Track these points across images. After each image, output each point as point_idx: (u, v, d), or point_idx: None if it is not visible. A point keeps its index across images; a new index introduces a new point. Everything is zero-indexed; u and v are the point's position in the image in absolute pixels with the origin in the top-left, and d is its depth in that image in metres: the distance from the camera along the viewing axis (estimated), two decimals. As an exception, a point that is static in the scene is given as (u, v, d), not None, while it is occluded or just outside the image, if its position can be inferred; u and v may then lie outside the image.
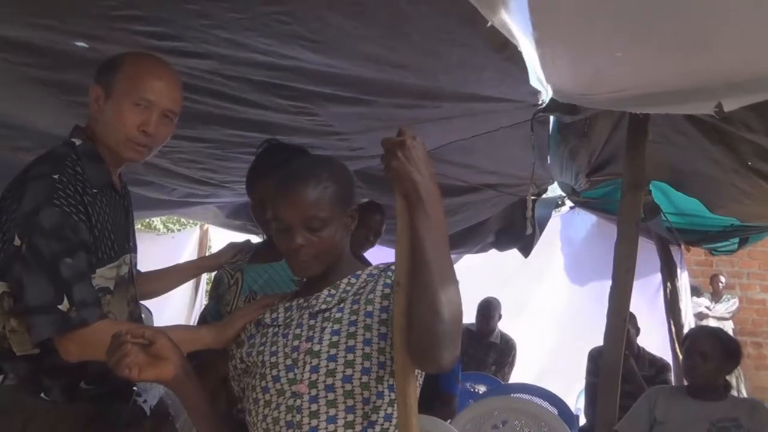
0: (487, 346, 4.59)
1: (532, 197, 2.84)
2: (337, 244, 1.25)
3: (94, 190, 1.46)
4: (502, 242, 4.19)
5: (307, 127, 2.27)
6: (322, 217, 1.21)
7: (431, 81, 1.84)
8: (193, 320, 5.08)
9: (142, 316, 1.77)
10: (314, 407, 1.15)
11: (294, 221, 1.22)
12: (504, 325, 4.64)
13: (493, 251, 4.45)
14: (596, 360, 3.34)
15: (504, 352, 4.61)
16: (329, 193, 1.22)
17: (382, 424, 1.16)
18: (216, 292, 1.83)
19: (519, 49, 1.51)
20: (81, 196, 1.41)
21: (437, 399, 3.14)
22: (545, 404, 3.19)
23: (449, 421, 2.83)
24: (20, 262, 1.34)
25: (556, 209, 4.35)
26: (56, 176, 1.39)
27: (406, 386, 1.11)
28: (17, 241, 1.35)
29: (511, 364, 4.59)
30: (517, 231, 3.77)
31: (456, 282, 1.11)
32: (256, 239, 2.07)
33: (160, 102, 1.48)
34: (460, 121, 2.21)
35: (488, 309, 4.59)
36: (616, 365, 2.41)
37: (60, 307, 1.33)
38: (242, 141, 2.47)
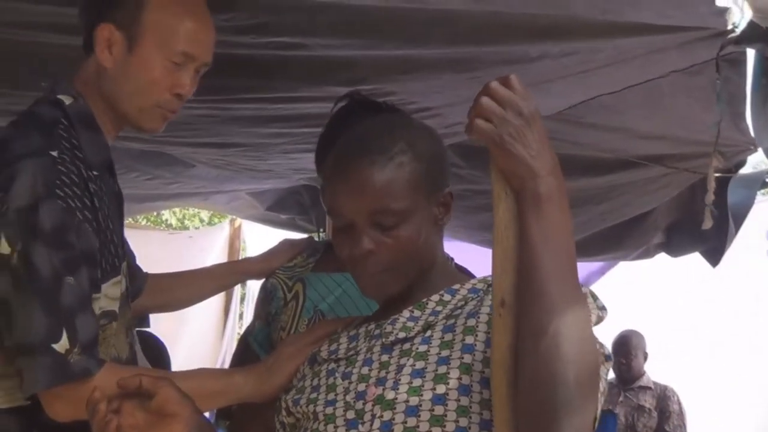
0: (639, 391, 4.66)
1: (718, 174, 2.76)
2: (422, 247, 1.25)
3: (94, 173, 1.52)
4: (676, 244, 4.06)
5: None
6: (396, 208, 1.21)
7: (560, 8, 1.79)
8: (224, 352, 5.28)
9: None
10: None
11: (356, 216, 1.22)
12: (661, 363, 4.66)
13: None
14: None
15: (665, 397, 4.67)
16: (406, 173, 1.22)
17: None
18: (266, 310, 1.89)
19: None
20: (84, 183, 1.46)
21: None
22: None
23: None
24: (10, 279, 1.39)
25: (763, 190, 4.21)
26: (55, 153, 1.43)
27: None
28: (5, 248, 1.39)
29: (681, 416, 4.66)
30: (700, 226, 3.68)
31: (586, 317, 1.10)
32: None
33: (201, 56, 1.54)
34: (603, 68, 2.19)
35: (627, 347, 4.75)
36: None
37: (56, 346, 1.37)
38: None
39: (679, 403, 4.81)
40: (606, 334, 4.57)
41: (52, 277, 1.39)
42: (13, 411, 1.49)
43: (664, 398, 4.80)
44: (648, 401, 4.81)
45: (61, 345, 1.38)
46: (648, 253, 4.26)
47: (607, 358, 1.20)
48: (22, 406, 1.48)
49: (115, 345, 1.57)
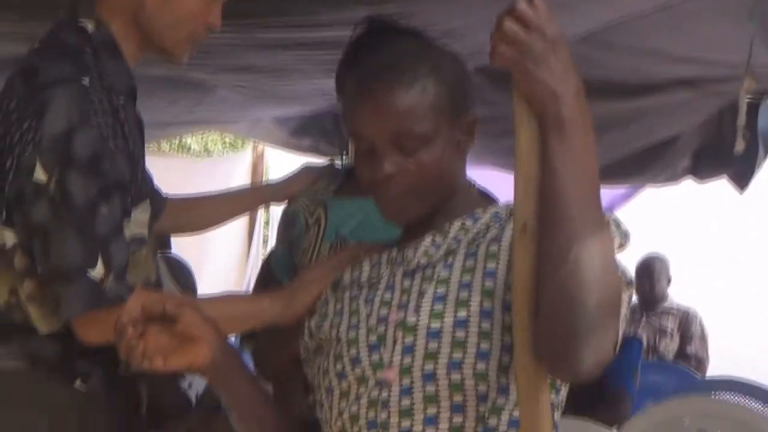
0: (661, 314, 4.70)
1: (750, 98, 2.72)
2: (445, 172, 1.25)
3: (122, 100, 1.54)
4: (703, 167, 4.03)
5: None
6: (419, 131, 1.20)
7: None
8: (248, 278, 5.35)
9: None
10: (407, 402, 1.17)
11: (378, 139, 1.22)
12: (689, 293, 4.68)
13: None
14: None
15: (688, 320, 4.70)
16: (430, 96, 1.22)
17: None
18: (287, 234, 1.90)
19: None
20: (114, 111, 1.48)
21: (602, 397, 3.19)
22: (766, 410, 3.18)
23: (615, 427, 2.88)
24: (47, 206, 1.40)
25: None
26: (86, 80, 1.44)
27: (533, 379, 1.10)
28: (41, 175, 1.40)
29: (703, 339, 4.72)
30: (728, 150, 3.66)
31: (609, 243, 1.08)
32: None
33: None
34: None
35: (650, 272, 4.77)
36: None
37: (91, 273, 1.40)
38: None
39: (702, 326, 4.83)
40: (634, 259, 4.60)
41: (87, 206, 1.41)
42: (52, 337, 1.51)
43: (686, 321, 4.82)
44: (670, 324, 4.84)
45: (97, 272, 1.41)
46: (674, 177, 4.23)
47: (629, 284, 1.19)
48: (61, 331, 1.50)
49: (145, 268, 1.59)
